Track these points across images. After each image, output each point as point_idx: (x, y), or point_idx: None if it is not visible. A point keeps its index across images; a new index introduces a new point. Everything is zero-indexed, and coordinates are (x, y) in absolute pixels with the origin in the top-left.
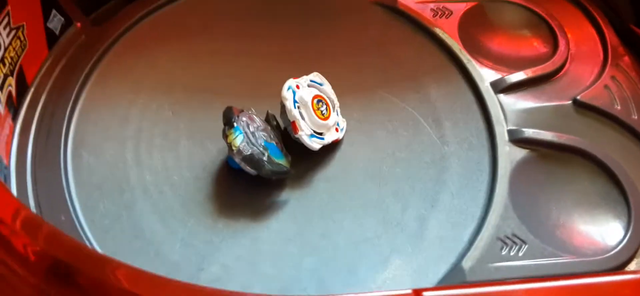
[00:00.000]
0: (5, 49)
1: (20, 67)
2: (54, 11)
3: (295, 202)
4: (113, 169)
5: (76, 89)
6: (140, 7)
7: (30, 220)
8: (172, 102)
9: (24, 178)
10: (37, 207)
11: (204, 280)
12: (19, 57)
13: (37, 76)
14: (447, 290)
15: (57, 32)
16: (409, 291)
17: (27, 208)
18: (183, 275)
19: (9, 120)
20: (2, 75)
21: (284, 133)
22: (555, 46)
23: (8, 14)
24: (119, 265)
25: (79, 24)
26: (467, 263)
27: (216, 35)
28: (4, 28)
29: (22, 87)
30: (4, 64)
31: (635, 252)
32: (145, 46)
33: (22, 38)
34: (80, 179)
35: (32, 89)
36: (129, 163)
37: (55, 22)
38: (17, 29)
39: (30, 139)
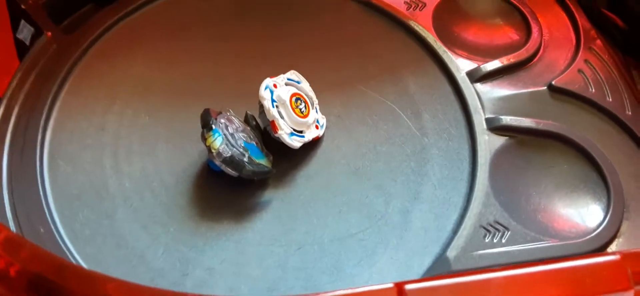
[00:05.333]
0: None
1: None
2: (23, 22)
3: (278, 201)
4: (91, 178)
5: (50, 99)
6: (112, 13)
7: (10, 241)
8: (149, 107)
9: (0, 193)
10: (15, 221)
11: (189, 285)
12: None
13: (8, 89)
14: (429, 281)
15: (27, 43)
16: (391, 285)
17: (8, 228)
18: (167, 281)
19: None
20: None
21: (264, 133)
22: (528, 33)
23: None
24: (107, 279)
25: (49, 33)
26: (451, 253)
27: (191, 38)
28: None
29: None
30: None
31: (617, 232)
32: (119, 52)
33: None
34: (58, 190)
35: (4, 102)
36: (108, 171)
37: (25, 32)
38: None
39: (4, 152)
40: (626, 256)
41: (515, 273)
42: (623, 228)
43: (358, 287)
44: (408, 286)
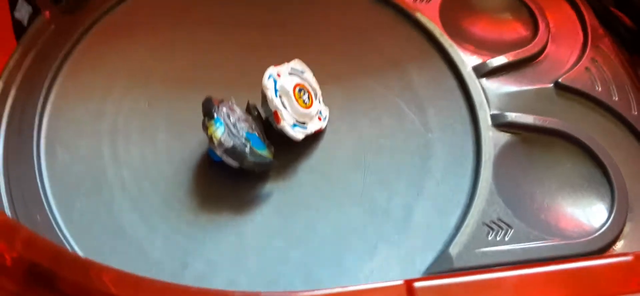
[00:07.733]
0: None
1: None
2: (20, 0)
3: (279, 194)
4: (89, 165)
5: (47, 82)
6: None
7: (6, 225)
8: (148, 94)
9: None
10: (11, 207)
11: (188, 277)
12: None
13: (5, 69)
14: (438, 279)
15: (25, 22)
16: (401, 282)
17: (3, 212)
18: (166, 272)
19: None
20: None
21: (266, 124)
22: (535, 29)
23: None
24: (103, 268)
25: (47, 13)
26: (454, 250)
27: (194, 24)
28: None
29: None
30: None
31: (621, 232)
32: (119, 36)
33: None
34: (55, 176)
35: (1, 83)
36: (106, 159)
37: (23, 11)
38: None
39: (1, 136)
40: (639, 258)
41: (528, 272)
42: (626, 229)
43: (365, 284)
44: (417, 284)
